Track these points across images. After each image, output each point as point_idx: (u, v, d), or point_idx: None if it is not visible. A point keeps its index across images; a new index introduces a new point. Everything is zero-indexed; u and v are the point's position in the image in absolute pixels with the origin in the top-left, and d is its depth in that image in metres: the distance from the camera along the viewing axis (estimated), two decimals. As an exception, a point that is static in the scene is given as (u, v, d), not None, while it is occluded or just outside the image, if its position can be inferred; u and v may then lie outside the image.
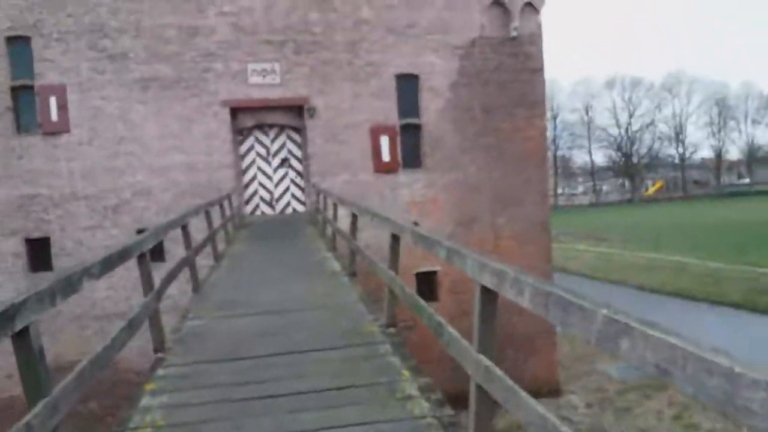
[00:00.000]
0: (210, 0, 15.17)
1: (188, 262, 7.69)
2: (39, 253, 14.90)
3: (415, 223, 16.18)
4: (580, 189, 78.15)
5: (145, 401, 4.03)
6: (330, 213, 12.36)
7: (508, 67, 16.15)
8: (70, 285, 3.24)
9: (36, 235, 14.82)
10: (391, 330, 5.43)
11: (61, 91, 14.71)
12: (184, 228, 8.03)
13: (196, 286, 8.00)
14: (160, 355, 5.02)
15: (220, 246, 11.57)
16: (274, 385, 4.11)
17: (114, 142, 14.98)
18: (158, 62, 15.03)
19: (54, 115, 14.71)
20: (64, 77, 14.75)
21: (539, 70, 16.36)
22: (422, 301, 4.46)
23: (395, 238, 5.47)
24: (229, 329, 5.71)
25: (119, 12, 14.88)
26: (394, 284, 5.32)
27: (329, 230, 12.36)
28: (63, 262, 14.78)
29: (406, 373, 4.25)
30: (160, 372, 4.60)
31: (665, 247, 35.28)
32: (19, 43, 14.69)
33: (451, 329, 3.60)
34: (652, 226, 43.94)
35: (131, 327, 4.26)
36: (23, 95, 14.84)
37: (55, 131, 14.76)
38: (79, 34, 14.77)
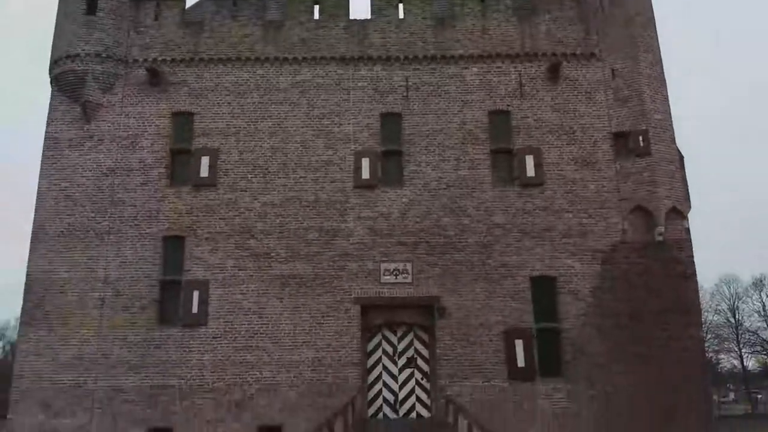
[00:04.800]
0: (350, 206, 15.98)
1: None
2: (161, 445, 14.67)
3: (555, 441, 14.45)
4: (732, 396, 69.24)
5: None
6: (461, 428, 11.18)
7: (655, 272, 15.09)
8: None
9: (160, 425, 14.73)
10: None
11: (204, 286, 15.48)
12: None
13: None
14: None
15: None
16: None
17: (247, 336, 15.19)
18: (298, 261, 15.63)
19: (195, 308, 15.33)
20: (208, 273, 15.60)
21: (691, 275, 15.11)
22: None
23: None
24: None
25: (267, 216, 15.98)
26: None
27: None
28: (183, 457, 14.39)
29: None
30: None
31: None
32: (174, 242, 15.96)
33: None
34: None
35: None
36: (170, 289, 15.75)
37: (194, 324, 15.26)
38: (229, 235, 15.87)
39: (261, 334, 15.23)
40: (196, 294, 15.50)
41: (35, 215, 16.14)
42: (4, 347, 67.82)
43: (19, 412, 14.77)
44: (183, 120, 16.94)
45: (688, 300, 14.97)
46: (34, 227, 16.06)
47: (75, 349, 15.16)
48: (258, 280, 15.57)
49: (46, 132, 16.77)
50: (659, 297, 14.89)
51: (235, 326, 15.28)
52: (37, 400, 14.81)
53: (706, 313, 62.12)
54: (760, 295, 63.72)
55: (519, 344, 14.92)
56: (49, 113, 16.94)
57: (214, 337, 15.21)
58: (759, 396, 67.21)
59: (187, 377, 14.98)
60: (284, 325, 15.27)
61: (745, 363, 63.63)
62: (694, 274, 15.18)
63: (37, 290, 15.53)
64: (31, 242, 15.96)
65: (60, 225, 15.98)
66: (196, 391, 14.92)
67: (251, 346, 15.13)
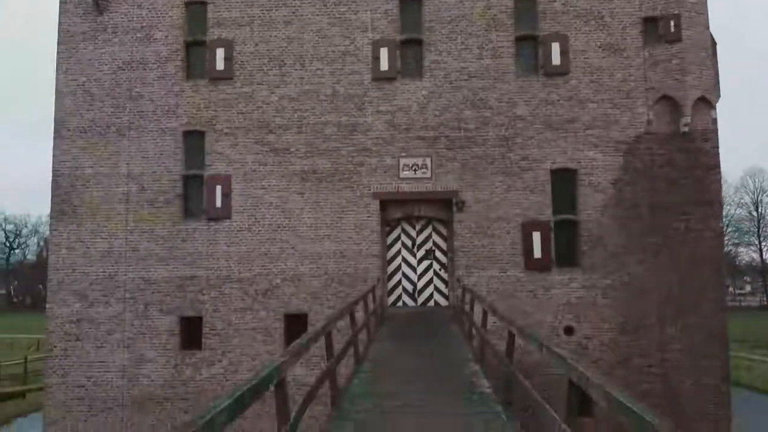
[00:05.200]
0: (368, 99, 15.69)
1: (330, 375, 7.20)
2: (191, 331, 15.49)
3: (570, 327, 14.94)
4: (748, 288, 70.13)
5: None
6: (476, 316, 11.55)
7: (678, 164, 14.83)
8: None
9: (190, 314, 15.47)
10: None
11: (226, 181, 15.66)
12: (329, 335, 7.48)
13: (335, 399, 7.48)
14: None
15: (361, 341, 11.10)
16: None
17: (271, 230, 15.53)
18: (317, 156, 15.63)
19: (219, 202, 15.61)
20: (230, 168, 15.73)
21: (714, 167, 14.86)
22: None
23: (573, 386, 4.07)
24: None
25: (284, 110, 15.82)
26: None
27: (475, 332, 11.53)
28: (212, 342, 15.24)
29: None
30: None
31: None
32: (194, 137, 15.99)
33: None
34: (841, 336, 37.70)
35: None
36: (193, 183, 15.98)
37: (219, 217, 15.60)
38: (248, 129, 15.81)
39: (283, 227, 15.57)
40: (218, 189, 15.73)
41: (55, 112, 16.17)
42: (39, 243, 70.74)
43: (56, 302, 15.58)
44: (196, 10, 16.42)
45: (711, 192, 14.82)
46: (55, 124, 16.14)
47: (105, 242, 15.70)
48: (279, 175, 15.69)
49: (59, 24, 16.43)
50: (681, 189, 14.74)
51: (258, 220, 15.60)
52: (73, 290, 15.56)
53: (728, 207, 61.61)
54: (786, 188, 62.83)
55: (536, 236, 15.07)
56: (60, 4, 16.51)
57: (238, 231, 15.59)
58: (775, 288, 67.91)
59: (214, 268, 15.54)
60: (306, 219, 15.55)
61: (764, 256, 63.94)
62: (717, 165, 14.91)
63: (63, 186, 15.87)
64: (54, 139, 16.11)
65: (81, 121, 16.04)
66: (223, 281, 15.52)
67: (275, 239, 15.53)
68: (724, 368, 14.50)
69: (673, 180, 14.78)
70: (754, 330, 41.38)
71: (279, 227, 15.55)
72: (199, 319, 15.50)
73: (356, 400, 7.46)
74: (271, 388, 4.09)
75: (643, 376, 14.36)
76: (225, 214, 15.62)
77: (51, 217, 16.07)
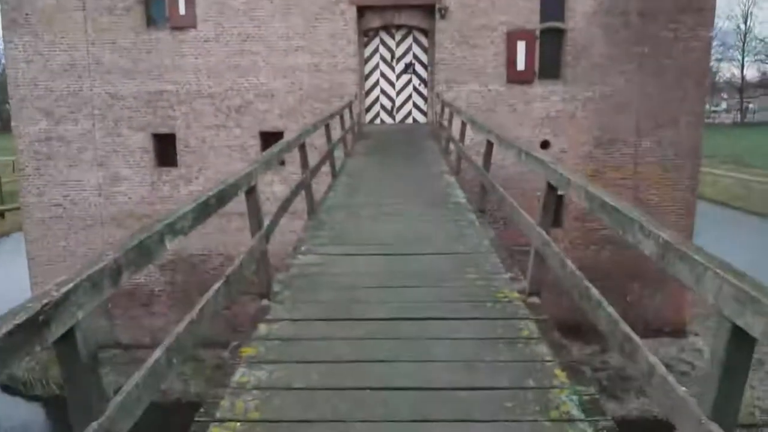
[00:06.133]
0: None
1: (304, 185, 7.11)
2: (165, 148, 15.22)
3: (546, 142, 14.92)
4: (723, 105, 70.46)
5: (239, 376, 3.28)
6: (455, 131, 11.39)
7: (676, -35, 13.79)
8: (145, 253, 2.33)
9: (162, 130, 15.07)
10: (535, 300, 4.28)
11: (188, -16, 14.32)
12: (302, 147, 7.22)
13: (311, 209, 7.48)
14: (265, 302, 4.37)
15: (338, 159, 11.01)
16: (393, 372, 3.24)
17: (239, 40, 14.60)
18: (286, -46, 14.19)
19: (182, 9, 14.44)
20: (191, -30, 14.30)
21: (712, -31, 13.87)
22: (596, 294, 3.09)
23: (551, 189, 4.09)
24: (343, 272, 5.00)
25: None
26: (546, 247, 4.02)
27: (452, 148, 11.46)
28: (187, 159, 15.06)
29: (560, 374, 3.20)
30: (262, 329, 3.91)
31: (822, 179, 31.22)
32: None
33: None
34: (806, 153, 38.93)
35: (228, 284, 3.40)
36: (151, -13, 14.63)
37: (183, 26, 14.54)
38: None
39: (253, 37, 14.60)
40: (181, -6, 14.45)
41: None
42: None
43: (22, 120, 14.96)
44: None
45: (704, -2, 14.00)
46: None
47: (66, 55, 14.70)
48: (245, -23, 14.35)
49: None
50: (675, -7, 13.90)
51: (226, 29, 14.57)
52: (37, 108, 14.87)
53: (717, 19, 59.68)
54: (778, 1, 60.49)
55: (521, 46, 14.41)
56: None
57: (205, 41, 14.62)
58: (750, 105, 68.56)
59: (183, 82, 14.82)
60: (276, 28, 14.55)
61: (744, 72, 63.55)
62: (716, -33, 13.94)
63: (10, -9, 14.46)
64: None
65: None
66: (194, 96, 14.90)
67: (244, 50, 14.64)
68: (694, 181, 14.86)
69: (667, -17, 13.86)
70: (723, 146, 42.44)
71: (248, 37, 14.58)
72: (173, 135, 15.13)
73: (332, 211, 7.50)
74: (241, 194, 3.96)
75: (615, 188, 14.69)
76: (190, 22, 14.51)
77: (3, 27, 14.82)
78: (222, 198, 3.40)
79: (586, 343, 13.60)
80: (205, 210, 3.09)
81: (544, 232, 4.18)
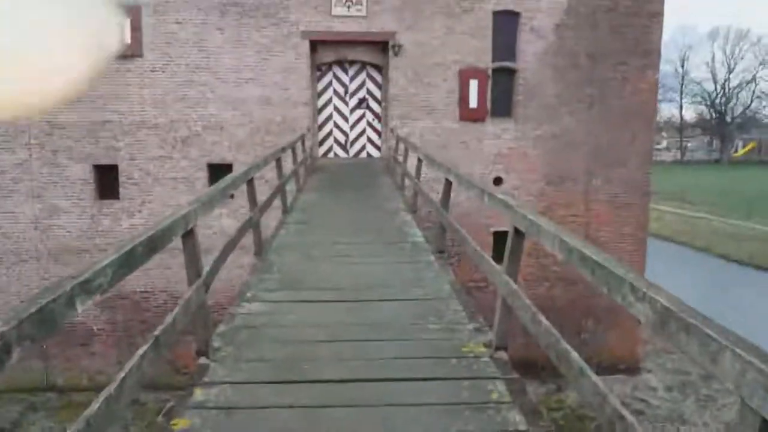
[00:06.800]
0: None
1: (251, 224, 6.70)
2: (107, 180, 14.54)
3: (499, 179, 14.94)
4: (664, 144, 73.46)
5: None
6: (410, 166, 11.20)
7: (623, 10, 14.18)
8: (47, 321, 1.89)
9: (104, 161, 14.40)
10: (502, 355, 4.02)
11: (135, 13, 13.86)
12: (250, 183, 6.82)
13: (259, 249, 7.05)
14: (203, 361, 3.91)
15: (290, 193, 10.63)
16: None
17: (188, 70, 14.17)
18: (237, -14, 13.93)
19: (127, 37, 13.93)
20: (138, -4, 13.87)
21: (657, 15, 14.31)
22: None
23: (518, 234, 3.83)
24: (293, 324, 4.59)
25: (198, -73, 13.75)
26: (515, 298, 3.73)
27: (408, 183, 11.26)
28: (130, 192, 14.42)
29: None
30: (198, 395, 3.45)
31: (757, 215, 32.52)
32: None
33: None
34: (742, 190, 40.66)
35: (157, 346, 2.97)
36: (97, 15, 14.08)
37: (128, 55, 14.01)
38: (155, -51, 13.77)
39: (202, 68, 14.20)
40: (127, 22, 13.95)
41: None
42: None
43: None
44: None
45: (651, 41, 14.41)
46: None
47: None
48: (194, 7, 13.98)
49: None
50: (622, 36, 14.25)
51: (174, 59, 14.13)
52: (-32, 134, 14.02)
53: (658, 63, 62.51)
54: (713, 46, 64.04)
55: (474, 84, 14.48)
56: None
57: (152, 70, 14.13)
58: (689, 144, 71.68)
59: (127, 113, 14.24)
60: (226, 60, 14.20)
61: (683, 113, 66.48)
62: (661, 13, 14.37)
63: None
64: None
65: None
66: (138, 127, 14.33)
67: (192, 81, 14.20)
68: (644, 220, 15.10)
69: (615, 27, 14.21)
70: (665, 183, 43.91)
71: (197, 68, 14.17)
72: (115, 167, 14.47)
73: (282, 251, 7.08)
74: (175, 240, 3.50)
75: (566, 225, 14.76)
76: (135, 51, 14.01)
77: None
78: (153, 245, 2.95)
79: (542, 382, 13.44)
80: (130, 261, 2.62)
81: (511, 281, 3.87)
